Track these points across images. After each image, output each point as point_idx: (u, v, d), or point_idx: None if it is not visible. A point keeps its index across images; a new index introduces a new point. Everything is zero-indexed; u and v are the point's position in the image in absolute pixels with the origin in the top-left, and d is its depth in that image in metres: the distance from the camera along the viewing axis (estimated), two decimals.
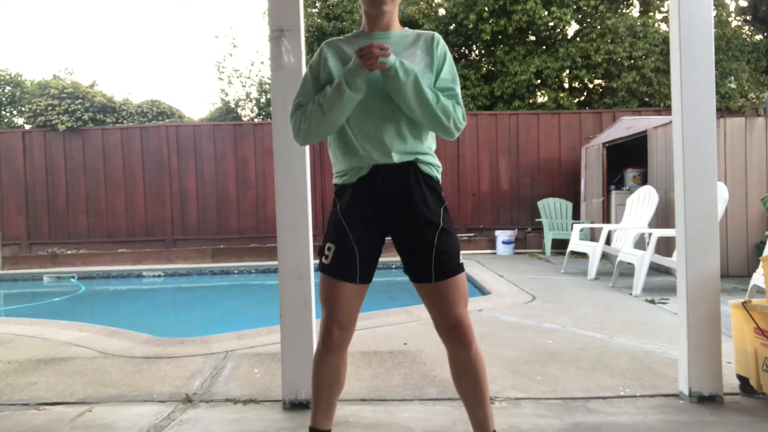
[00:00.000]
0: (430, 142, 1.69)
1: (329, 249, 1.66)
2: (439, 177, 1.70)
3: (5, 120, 13.30)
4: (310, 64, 1.70)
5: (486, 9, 10.33)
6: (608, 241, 6.16)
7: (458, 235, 1.78)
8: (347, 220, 1.65)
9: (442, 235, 1.62)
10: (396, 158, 1.61)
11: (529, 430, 2.02)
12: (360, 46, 1.54)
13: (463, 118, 1.62)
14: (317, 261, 1.73)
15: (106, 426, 2.15)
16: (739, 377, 2.34)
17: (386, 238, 1.71)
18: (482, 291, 5.40)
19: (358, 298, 1.68)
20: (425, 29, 10.55)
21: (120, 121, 11.02)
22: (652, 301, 4.47)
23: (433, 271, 1.61)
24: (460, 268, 1.64)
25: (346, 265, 1.64)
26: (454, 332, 1.61)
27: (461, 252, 1.67)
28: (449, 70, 1.66)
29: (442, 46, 1.68)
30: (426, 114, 1.56)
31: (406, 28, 1.72)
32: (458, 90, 1.65)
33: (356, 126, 1.62)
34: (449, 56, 1.69)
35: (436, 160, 1.69)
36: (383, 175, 1.61)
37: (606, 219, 7.70)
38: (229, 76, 12.59)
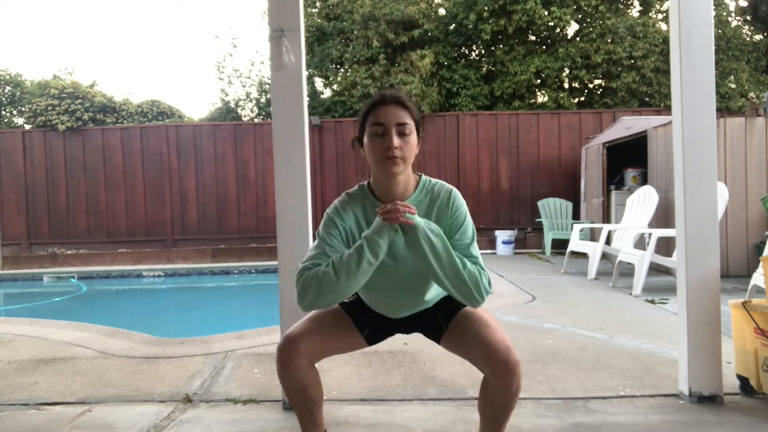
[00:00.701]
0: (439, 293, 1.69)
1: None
2: None
3: (5, 120, 13.30)
4: (327, 223, 1.58)
5: (486, 9, 10.33)
6: (608, 241, 6.16)
7: None
8: (354, 318, 1.71)
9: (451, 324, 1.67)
10: (409, 315, 1.69)
11: (529, 430, 2.02)
12: (380, 208, 1.45)
13: (489, 284, 1.50)
14: None
15: (106, 426, 2.15)
16: (739, 377, 2.34)
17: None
18: None
19: (341, 346, 1.71)
20: (425, 29, 10.58)
21: (120, 121, 11.02)
22: (652, 301, 4.47)
23: (442, 321, 1.66)
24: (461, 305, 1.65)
25: (364, 315, 1.68)
26: (503, 369, 1.44)
27: None
28: (467, 232, 1.56)
29: (458, 205, 1.57)
30: (453, 279, 1.46)
31: (421, 185, 1.60)
32: (477, 252, 1.55)
33: (372, 290, 1.63)
34: (467, 216, 1.59)
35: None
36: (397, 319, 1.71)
37: (606, 219, 7.70)
38: (229, 76, 12.58)
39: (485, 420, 1.61)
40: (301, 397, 1.59)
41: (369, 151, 1.51)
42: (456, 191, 1.60)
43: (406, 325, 1.73)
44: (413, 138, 1.52)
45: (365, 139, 1.53)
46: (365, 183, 1.64)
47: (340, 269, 1.44)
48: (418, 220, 1.45)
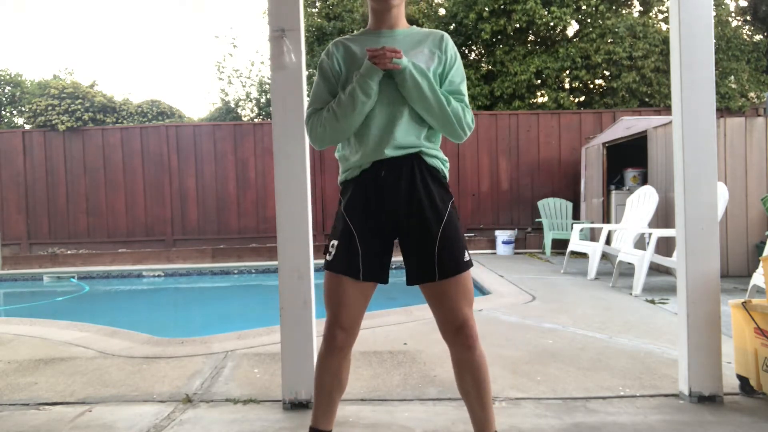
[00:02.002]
0: (435, 139, 1.67)
1: (333, 245, 1.65)
2: (446, 172, 1.68)
3: (5, 120, 13.30)
4: (320, 67, 1.68)
5: (486, 9, 10.33)
6: (608, 241, 6.16)
7: None
8: (350, 215, 1.63)
9: (446, 229, 1.59)
10: (400, 152, 1.59)
11: (529, 430, 2.02)
12: (369, 47, 1.54)
13: (472, 121, 1.62)
14: (322, 260, 1.72)
15: (106, 426, 2.15)
16: (739, 377, 2.34)
17: (395, 241, 1.68)
18: (482, 291, 5.40)
19: (362, 299, 1.64)
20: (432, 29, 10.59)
21: (120, 121, 11.02)
22: (652, 301, 4.47)
23: (437, 269, 1.57)
24: (465, 266, 1.60)
25: (349, 260, 1.60)
26: (459, 334, 1.60)
27: (467, 250, 1.64)
28: (458, 72, 1.65)
29: (451, 46, 1.66)
30: (438, 116, 1.57)
31: (414, 26, 1.71)
32: (465, 92, 1.66)
33: (362, 123, 1.62)
34: (458, 57, 1.67)
35: (442, 155, 1.68)
36: (386, 167, 1.59)
37: (606, 219, 7.70)
38: (229, 76, 12.60)
39: (470, 401, 1.64)
40: (334, 380, 1.66)
41: None
42: (448, 35, 1.69)
43: (399, 223, 1.62)
44: None
45: None
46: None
47: (339, 112, 1.58)
48: (405, 62, 1.53)
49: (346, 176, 1.68)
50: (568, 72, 10.92)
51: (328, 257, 1.66)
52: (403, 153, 1.59)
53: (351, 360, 1.72)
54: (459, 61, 1.67)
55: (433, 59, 1.61)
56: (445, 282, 1.59)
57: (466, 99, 1.64)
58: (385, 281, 1.65)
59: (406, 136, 1.59)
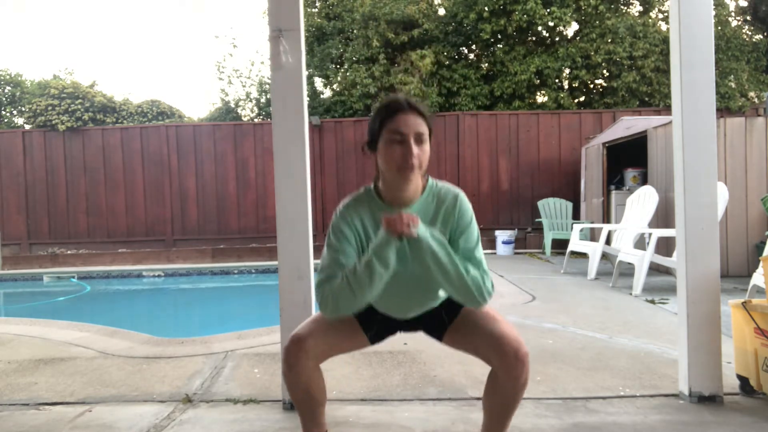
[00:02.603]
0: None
1: None
2: None
3: (5, 120, 13.30)
4: (335, 231, 1.58)
5: (486, 9, 10.33)
6: (608, 241, 6.16)
7: None
8: (361, 322, 1.71)
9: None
10: (420, 313, 1.71)
11: (529, 430, 2.02)
12: (385, 217, 1.46)
13: (492, 287, 1.54)
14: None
15: (106, 426, 2.15)
16: (739, 377, 2.34)
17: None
18: None
19: (346, 345, 1.71)
20: (425, 29, 10.57)
21: (120, 121, 11.02)
22: (652, 301, 4.47)
23: (445, 317, 1.67)
24: None
25: (368, 316, 1.69)
26: (513, 360, 1.48)
27: None
28: (472, 237, 1.58)
29: (465, 210, 1.59)
30: (457, 286, 1.49)
31: (428, 188, 1.61)
32: (482, 257, 1.58)
33: (383, 293, 1.59)
34: (473, 220, 1.61)
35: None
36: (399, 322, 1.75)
37: (606, 219, 7.70)
38: (229, 76, 12.58)
39: (491, 416, 1.62)
40: (306, 396, 1.62)
41: (385, 158, 1.51)
42: (462, 195, 1.62)
43: (411, 324, 1.75)
44: (428, 146, 1.54)
45: (381, 145, 1.53)
46: (371, 186, 1.65)
47: (354, 284, 1.47)
48: (422, 230, 1.46)
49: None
50: (568, 72, 10.92)
51: None
52: (422, 313, 1.70)
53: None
54: (473, 225, 1.60)
55: (447, 230, 1.58)
56: (457, 320, 1.66)
57: (485, 264, 1.56)
58: (375, 344, 1.78)
59: (426, 307, 1.69)
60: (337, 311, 1.52)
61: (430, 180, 1.63)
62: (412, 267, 1.56)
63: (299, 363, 1.55)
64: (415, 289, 1.62)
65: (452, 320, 1.66)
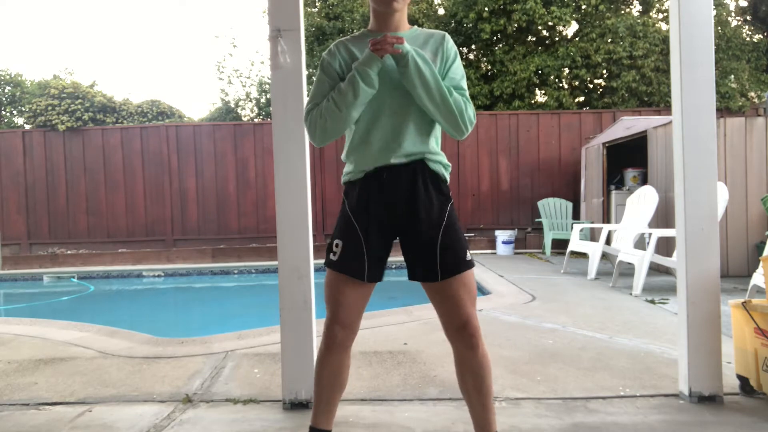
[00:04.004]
0: (439, 145, 1.70)
1: (337, 245, 1.65)
2: (447, 175, 1.70)
3: (5, 120, 13.30)
4: (322, 66, 1.67)
5: (486, 8, 10.33)
6: (608, 241, 6.16)
7: None
8: (356, 217, 1.64)
9: (446, 232, 1.61)
10: (404, 159, 1.62)
11: (529, 430, 2.02)
12: (371, 39, 1.54)
13: (473, 116, 1.62)
14: (321, 260, 1.72)
15: (106, 426, 2.15)
16: (739, 377, 2.34)
17: (394, 241, 1.70)
18: (482, 291, 5.40)
19: (363, 298, 1.66)
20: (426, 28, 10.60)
21: (120, 121, 11.02)
22: (652, 301, 4.47)
23: (439, 269, 1.59)
24: (466, 265, 1.62)
25: (355, 261, 1.62)
26: (462, 333, 1.60)
27: (469, 250, 1.65)
28: (458, 70, 1.66)
29: (451, 45, 1.67)
30: (441, 106, 1.56)
31: (416, 27, 1.71)
32: (466, 88, 1.66)
33: (365, 124, 1.63)
34: (458, 56, 1.69)
35: (444, 159, 1.69)
36: (390, 173, 1.62)
37: (606, 219, 7.70)
38: (229, 76, 12.60)
39: (470, 400, 1.65)
40: (334, 378, 1.66)
41: None
42: (448, 36, 1.70)
43: (405, 234, 1.65)
44: None
45: None
46: (365, 28, 1.75)
47: (339, 101, 1.57)
48: (407, 47, 1.53)
49: (350, 177, 1.69)
50: (567, 71, 10.92)
51: (332, 257, 1.65)
52: (408, 160, 1.62)
53: (351, 360, 1.72)
54: (459, 60, 1.68)
55: (435, 60, 1.63)
56: (447, 282, 1.60)
57: (467, 94, 1.64)
58: (381, 279, 1.68)
59: (411, 146, 1.62)
60: (325, 130, 1.60)
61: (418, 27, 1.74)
62: (399, 90, 1.60)
63: (338, 341, 1.63)
64: (402, 114, 1.62)
65: (443, 277, 1.59)
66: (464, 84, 1.66)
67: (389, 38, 1.51)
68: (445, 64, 1.64)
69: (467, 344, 1.60)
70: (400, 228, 1.65)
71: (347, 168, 1.71)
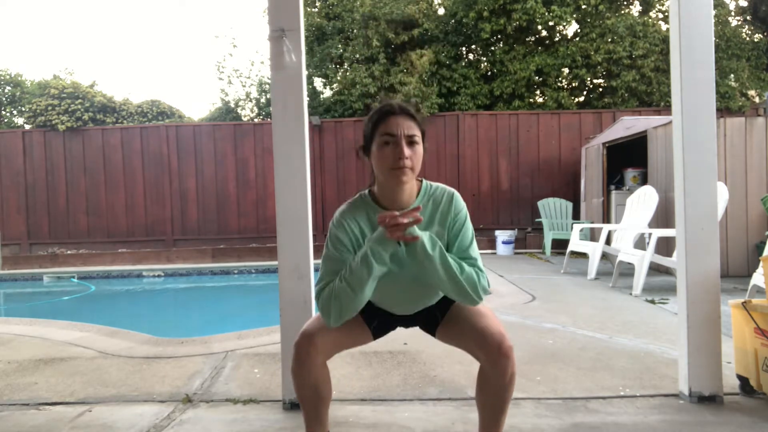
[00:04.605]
0: None
1: None
2: None
3: (5, 120, 13.30)
4: (333, 241, 1.60)
5: (486, 8, 10.33)
6: (608, 241, 6.16)
7: None
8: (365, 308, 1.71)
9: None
10: (415, 312, 1.74)
11: (529, 430, 2.02)
12: (384, 215, 1.46)
13: (487, 284, 1.57)
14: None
15: (106, 426, 2.15)
16: (739, 377, 2.34)
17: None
18: None
19: (351, 341, 1.72)
20: (425, 28, 10.57)
21: (120, 121, 11.02)
22: (652, 301, 4.47)
23: (439, 315, 1.72)
24: None
25: (370, 312, 1.72)
26: (501, 350, 1.50)
27: None
28: (467, 236, 1.61)
29: (460, 210, 1.62)
30: (452, 286, 1.52)
31: (423, 186, 1.64)
32: (477, 255, 1.61)
33: (381, 293, 1.66)
34: (467, 219, 1.64)
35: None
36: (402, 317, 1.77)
37: (606, 219, 7.70)
38: (229, 76, 12.57)
39: (484, 412, 1.64)
40: (313, 393, 1.63)
41: (378, 160, 1.54)
42: (457, 195, 1.65)
43: (408, 320, 1.79)
44: (420, 148, 1.56)
45: (374, 148, 1.56)
46: (365, 191, 1.67)
47: (352, 282, 1.51)
48: (418, 232, 1.49)
49: None
50: (568, 71, 10.92)
51: None
52: (420, 310, 1.74)
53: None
54: (468, 223, 1.64)
55: (443, 233, 1.60)
56: (449, 312, 1.69)
57: (479, 262, 1.59)
58: (375, 339, 1.81)
59: (424, 304, 1.73)
60: (339, 314, 1.53)
61: (425, 182, 1.66)
62: (408, 268, 1.59)
63: (309, 359, 1.56)
64: (413, 288, 1.65)
65: (444, 315, 1.72)
66: (474, 251, 1.61)
67: (402, 221, 1.43)
68: (454, 226, 1.61)
69: (500, 366, 1.51)
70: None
71: None
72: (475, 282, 1.53)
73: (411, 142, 1.52)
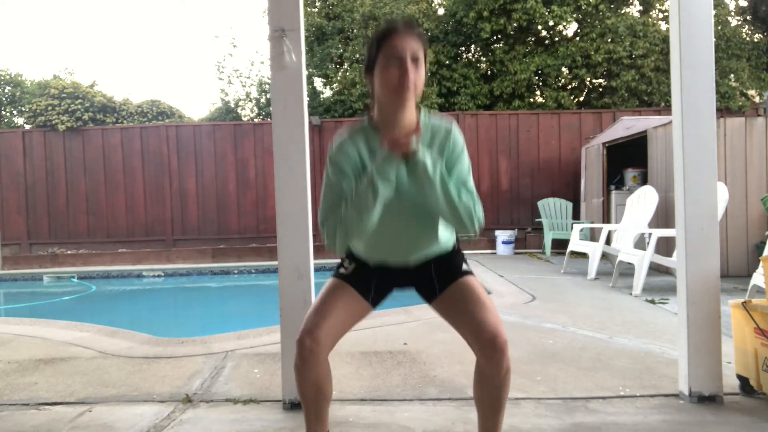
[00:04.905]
0: (448, 239, 1.69)
1: (350, 263, 1.71)
2: (454, 241, 1.73)
3: (5, 120, 13.30)
4: (333, 165, 1.58)
5: (486, 8, 10.33)
6: (608, 241, 6.16)
7: None
8: (356, 285, 1.69)
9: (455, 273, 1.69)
10: (412, 263, 1.68)
11: (529, 430, 2.02)
12: (387, 136, 1.46)
13: (482, 214, 1.56)
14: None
15: (106, 426, 2.15)
16: (739, 377, 2.34)
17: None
18: None
19: (350, 321, 1.68)
20: (425, 28, 10.57)
21: (120, 121, 11.02)
22: (652, 301, 4.47)
23: (437, 285, 1.66)
24: (465, 272, 1.65)
25: (364, 282, 1.68)
26: (489, 349, 1.49)
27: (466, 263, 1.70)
28: (464, 165, 1.60)
29: (458, 139, 1.61)
30: (449, 210, 1.51)
31: (422, 113, 1.63)
32: (473, 185, 1.60)
33: (374, 239, 1.62)
34: (464, 150, 1.63)
35: (453, 239, 1.72)
36: (397, 271, 1.69)
37: (606, 219, 7.70)
38: (229, 76, 12.59)
39: (482, 409, 1.63)
40: (315, 390, 1.62)
41: (382, 80, 1.50)
42: (455, 125, 1.65)
43: (404, 277, 1.72)
44: (423, 70, 1.53)
45: (377, 68, 1.52)
46: (364, 118, 1.67)
47: (359, 207, 1.48)
48: (421, 149, 1.49)
49: (352, 253, 1.72)
50: (567, 71, 10.92)
51: (343, 270, 1.70)
52: (416, 264, 1.68)
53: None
54: (465, 153, 1.62)
55: (442, 158, 1.58)
56: (447, 291, 1.64)
57: (476, 194, 1.58)
58: (376, 308, 1.75)
59: (419, 253, 1.66)
60: (344, 239, 1.52)
61: (423, 110, 1.65)
62: (407, 194, 1.55)
63: (312, 355, 1.55)
64: (410, 225, 1.61)
65: (443, 289, 1.65)
66: (470, 181, 1.60)
67: (407, 142, 1.44)
68: (451, 156, 1.59)
69: (494, 361, 1.49)
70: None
71: (350, 247, 1.72)
72: (471, 210, 1.52)
73: (415, 63, 1.49)
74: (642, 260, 4.88)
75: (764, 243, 5.20)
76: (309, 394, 1.63)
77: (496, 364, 1.49)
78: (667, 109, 9.83)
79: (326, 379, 1.63)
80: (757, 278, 3.77)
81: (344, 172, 1.56)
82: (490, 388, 1.56)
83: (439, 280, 1.67)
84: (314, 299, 1.72)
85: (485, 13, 10.34)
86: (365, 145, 1.58)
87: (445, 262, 1.69)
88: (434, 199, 1.49)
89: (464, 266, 1.68)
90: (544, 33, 11.26)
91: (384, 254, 1.67)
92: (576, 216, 9.15)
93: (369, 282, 1.69)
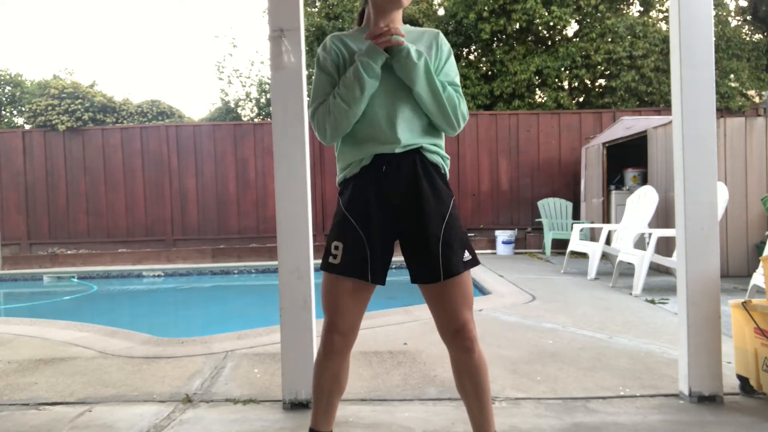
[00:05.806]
0: (436, 135, 1.66)
1: (337, 248, 1.59)
2: (447, 169, 1.67)
3: (5, 120, 13.30)
4: (320, 62, 1.65)
5: (486, 8, 10.33)
6: (608, 241, 6.16)
7: None
8: (353, 215, 1.59)
9: (448, 228, 1.58)
10: (400, 148, 1.57)
11: (529, 430, 2.02)
12: (372, 29, 1.54)
13: (466, 112, 1.63)
14: (319, 261, 1.70)
15: (106, 426, 2.15)
16: (739, 377, 2.34)
17: (395, 241, 1.65)
18: (482, 291, 5.40)
19: (363, 302, 1.63)
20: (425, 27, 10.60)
21: (120, 121, 11.02)
22: (652, 301, 4.47)
23: (441, 269, 1.54)
24: (466, 266, 1.58)
25: (358, 261, 1.57)
26: (457, 336, 1.59)
27: (469, 248, 1.62)
28: (452, 66, 1.67)
29: (445, 42, 1.68)
30: (434, 101, 1.57)
31: (408, 26, 1.71)
32: (459, 86, 1.66)
33: (362, 119, 1.61)
34: (452, 54, 1.69)
35: (443, 152, 1.68)
36: (388, 163, 1.58)
37: (606, 219, 7.70)
38: (229, 76, 12.60)
39: (469, 400, 1.63)
40: (334, 381, 1.65)
41: None
42: (441, 34, 1.71)
43: (396, 192, 1.60)
44: None
45: None
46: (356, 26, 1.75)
47: (346, 97, 1.55)
48: (405, 41, 1.55)
49: (345, 174, 1.66)
50: (567, 71, 10.93)
51: (332, 260, 1.59)
52: (404, 150, 1.58)
53: (350, 361, 1.71)
54: (452, 57, 1.69)
55: (430, 55, 1.63)
56: (447, 283, 1.57)
57: (461, 90, 1.64)
58: (384, 283, 1.62)
59: (407, 133, 1.59)
60: (334, 129, 1.59)
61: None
62: (390, 82, 1.59)
63: (334, 346, 1.60)
64: (399, 99, 1.60)
65: (433, 276, 1.57)
66: (458, 80, 1.67)
67: (392, 29, 1.51)
68: (439, 59, 1.64)
69: (463, 348, 1.59)
70: (400, 225, 1.60)
71: (341, 165, 1.68)
72: (456, 104, 1.58)
73: None
74: (642, 260, 4.88)
75: (764, 243, 5.20)
76: (326, 386, 1.66)
77: (462, 349, 1.58)
78: (667, 109, 9.83)
79: (345, 371, 1.68)
80: (757, 278, 3.77)
81: (331, 65, 1.63)
82: (469, 377, 1.61)
83: (445, 264, 1.55)
84: (319, 299, 1.70)
85: (485, 14, 10.35)
86: (354, 45, 1.64)
87: (452, 230, 1.58)
88: (419, 89, 1.55)
89: (467, 255, 1.58)
90: (544, 33, 11.26)
91: (373, 131, 1.59)
92: (576, 216, 9.15)
93: (363, 258, 1.57)
